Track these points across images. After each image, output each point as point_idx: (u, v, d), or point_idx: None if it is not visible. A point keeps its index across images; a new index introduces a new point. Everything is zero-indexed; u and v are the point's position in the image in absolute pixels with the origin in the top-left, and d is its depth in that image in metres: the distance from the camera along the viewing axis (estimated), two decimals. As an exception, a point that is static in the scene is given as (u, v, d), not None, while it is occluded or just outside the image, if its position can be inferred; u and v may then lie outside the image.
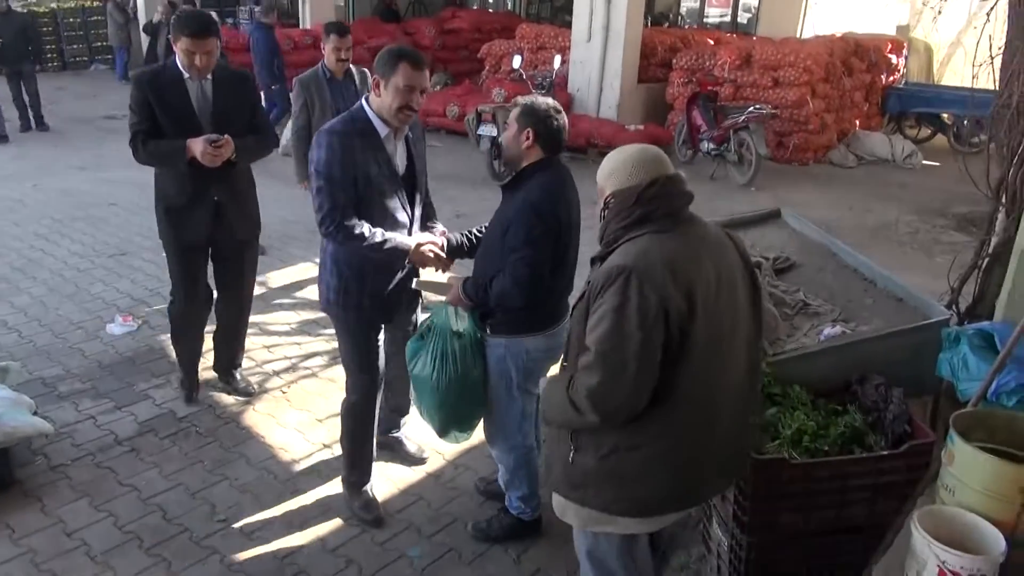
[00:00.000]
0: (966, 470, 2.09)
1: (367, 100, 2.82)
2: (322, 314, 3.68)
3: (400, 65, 2.70)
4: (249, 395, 4.11)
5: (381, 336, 3.11)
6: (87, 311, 5.10)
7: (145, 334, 4.79)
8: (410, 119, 2.85)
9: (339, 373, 4.34)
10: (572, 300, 2.25)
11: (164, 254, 3.87)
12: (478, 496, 3.37)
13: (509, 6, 19.90)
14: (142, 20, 17.24)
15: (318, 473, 3.51)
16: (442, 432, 2.95)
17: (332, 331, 4.82)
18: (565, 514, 2.28)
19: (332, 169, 2.69)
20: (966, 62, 14.27)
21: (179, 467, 3.49)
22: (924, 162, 10.38)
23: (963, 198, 8.61)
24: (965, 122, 11.13)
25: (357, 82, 4.85)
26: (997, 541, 1.95)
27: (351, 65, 4.86)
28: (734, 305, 2.10)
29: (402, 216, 2.91)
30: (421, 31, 14.59)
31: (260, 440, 3.72)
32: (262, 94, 9.35)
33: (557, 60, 9.94)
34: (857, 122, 11.13)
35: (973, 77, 4.32)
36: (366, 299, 2.95)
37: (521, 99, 2.72)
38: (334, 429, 3.81)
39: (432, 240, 2.97)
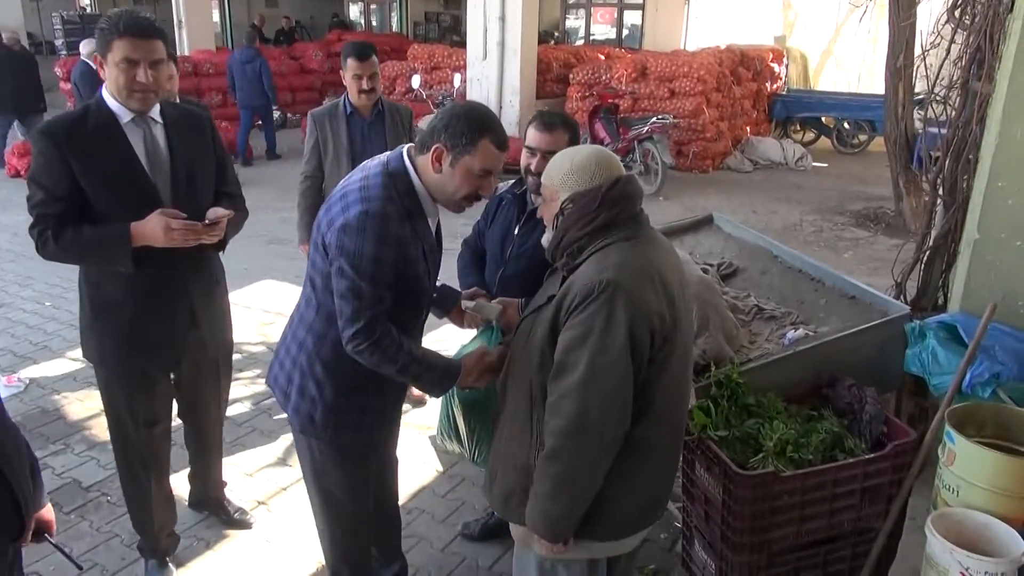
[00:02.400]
0: (971, 469, 2.03)
1: (411, 158, 2.04)
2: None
3: (482, 142, 1.95)
4: (249, 526, 3.15)
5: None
6: (-39, 373, 4.51)
7: (35, 395, 4.26)
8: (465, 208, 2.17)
9: (262, 422, 4.00)
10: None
11: (99, 390, 2.67)
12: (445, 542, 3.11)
13: (395, 28, 19.71)
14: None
15: (258, 534, 3.15)
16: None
17: (250, 373, 4.50)
18: (528, 544, 2.03)
19: (381, 268, 1.93)
20: (837, 68, 15.22)
21: (91, 545, 3.05)
22: (813, 164, 10.84)
23: (854, 196, 9.08)
24: (846, 124, 11.78)
25: (387, 124, 3.81)
26: (1014, 541, 1.89)
27: (382, 99, 3.83)
28: (690, 312, 2.03)
29: (424, 310, 2.26)
30: (307, 55, 14.21)
31: (182, 503, 3.32)
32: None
33: (457, 78, 9.83)
34: (748, 129, 11.55)
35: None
36: (368, 417, 2.19)
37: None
38: (266, 483, 3.47)
39: (487, 360, 2.19)
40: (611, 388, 1.76)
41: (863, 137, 11.67)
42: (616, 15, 17.19)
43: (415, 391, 4.14)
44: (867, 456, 2.48)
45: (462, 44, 11.69)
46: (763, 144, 11.07)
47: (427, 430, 3.91)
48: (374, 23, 21.56)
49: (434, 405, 4.11)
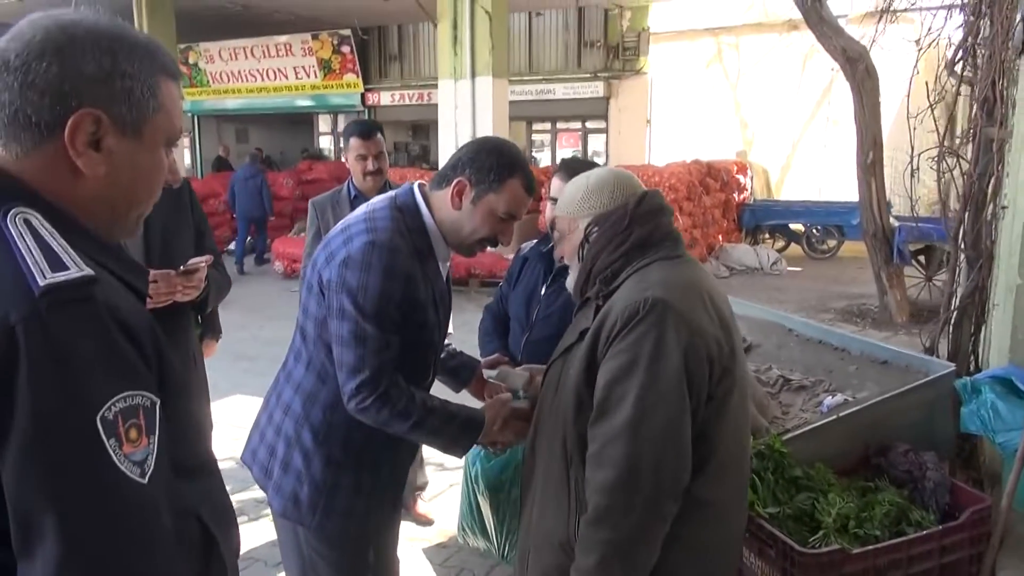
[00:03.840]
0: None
1: (423, 194, 1.82)
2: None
3: (511, 182, 1.77)
4: None
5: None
6: None
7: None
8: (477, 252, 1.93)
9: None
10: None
11: None
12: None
13: (365, 158, 20.06)
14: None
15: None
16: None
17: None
18: None
19: (388, 306, 1.66)
20: (797, 180, 15.68)
21: None
22: (788, 268, 10.89)
23: (835, 295, 9.06)
24: (815, 231, 11.97)
25: None
26: None
27: (389, 182, 3.48)
28: (742, 348, 1.74)
29: (431, 369, 1.98)
30: (278, 182, 14.24)
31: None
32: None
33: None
34: (720, 237, 11.65)
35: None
36: (362, 501, 1.82)
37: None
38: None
39: (513, 408, 1.93)
40: (667, 426, 1.44)
41: (832, 242, 11.86)
42: (580, 138, 17.76)
43: (418, 508, 3.64)
44: (941, 527, 2.17)
45: (433, 169, 11.82)
46: (737, 250, 11.15)
47: (420, 542, 3.47)
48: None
49: (439, 523, 3.64)
